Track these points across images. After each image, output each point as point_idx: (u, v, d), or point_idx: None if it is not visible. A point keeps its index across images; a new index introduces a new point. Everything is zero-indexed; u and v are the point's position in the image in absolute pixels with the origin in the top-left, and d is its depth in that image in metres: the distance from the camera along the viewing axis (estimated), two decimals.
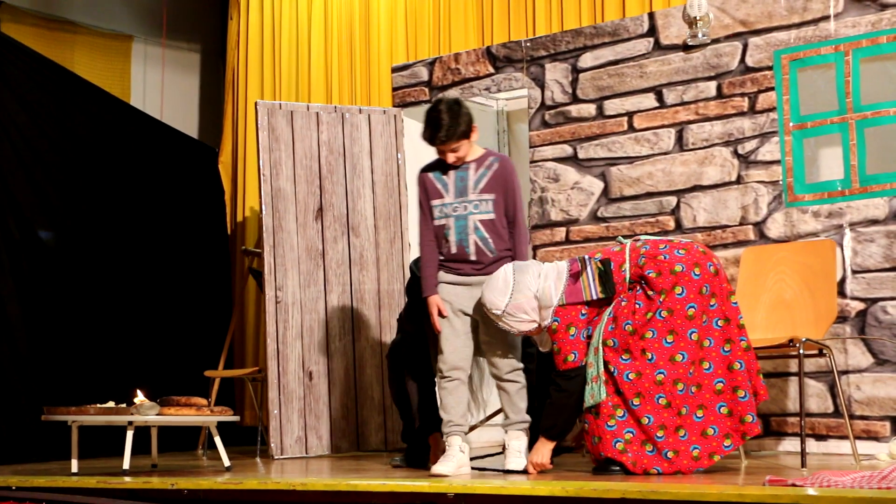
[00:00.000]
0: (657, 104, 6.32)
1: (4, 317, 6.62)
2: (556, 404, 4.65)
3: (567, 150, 6.62)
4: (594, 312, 4.65)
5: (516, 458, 4.72)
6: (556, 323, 4.62)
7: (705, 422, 4.49)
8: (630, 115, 6.36)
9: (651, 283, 4.55)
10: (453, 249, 4.82)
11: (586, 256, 4.73)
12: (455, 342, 4.78)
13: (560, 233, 6.48)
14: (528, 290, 4.60)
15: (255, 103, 6.64)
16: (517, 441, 4.75)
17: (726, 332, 4.59)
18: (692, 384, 4.49)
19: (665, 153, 6.23)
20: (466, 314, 4.80)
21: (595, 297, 4.62)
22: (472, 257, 4.80)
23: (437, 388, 4.89)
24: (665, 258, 4.58)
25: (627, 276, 4.62)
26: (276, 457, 6.19)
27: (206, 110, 9.20)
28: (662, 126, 6.26)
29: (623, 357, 4.52)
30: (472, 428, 5.95)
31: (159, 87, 8.86)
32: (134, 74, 8.79)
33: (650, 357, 4.48)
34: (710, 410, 4.49)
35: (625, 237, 4.86)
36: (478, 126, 4.91)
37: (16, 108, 7.08)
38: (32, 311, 6.77)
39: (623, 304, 4.59)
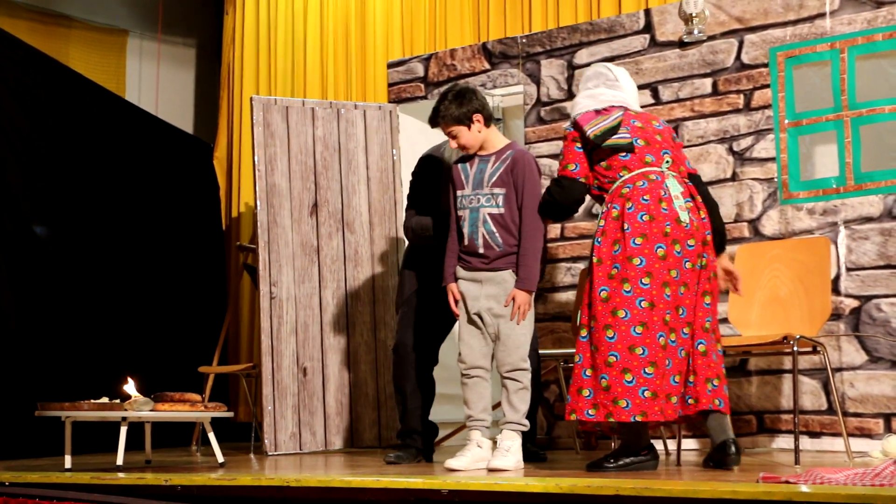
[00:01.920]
0: (653, 101, 6.32)
1: None
2: (544, 206, 4.74)
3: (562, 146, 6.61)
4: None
5: (503, 456, 4.61)
6: (568, 131, 4.67)
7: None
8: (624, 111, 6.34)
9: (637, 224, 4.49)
10: (465, 241, 4.82)
11: (621, 112, 4.67)
12: (472, 342, 4.78)
13: (555, 228, 6.47)
14: (586, 83, 4.80)
15: (251, 98, 6.63)
16: (509, 441, 4.66)
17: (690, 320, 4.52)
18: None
19: None
20: (479, 315, 4.79)
21: (587, 134, 4.57)
22: (480, 250, 4.78)
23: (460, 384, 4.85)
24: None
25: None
26: (269, 453, 6.19)
27: (202, 105, 9.20)
28: None
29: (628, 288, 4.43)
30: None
31: (154, 83, 8.85)
32: (129, 69, 8.79)
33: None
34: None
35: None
36: (487, 117, 4.86)
37: (10, 103, 7.06)
38: (26, 305, 6.76)
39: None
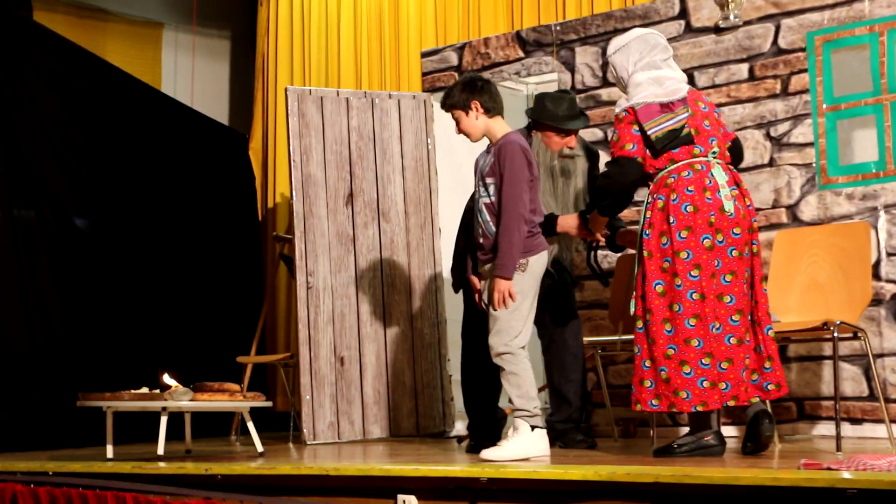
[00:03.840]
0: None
1: (42, 304, 6.67)
2: (602, 189, 4.67)
3: (598, 133, 6.59)
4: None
5: (496, 447, 4.58)
6: (625, 113, 4.58)
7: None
8: None
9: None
10: (475, 232, 4.86)
11: (691, 109, 4.59)
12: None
13: None
14: (630, 63, 4.66)
15: (286, 89, 6.64)
16: (513, 430, 4.63)
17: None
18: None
19: None
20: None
21: (649, 134, 4.50)
22: (480, 240, 4.80)
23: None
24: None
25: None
26: (308, 442, 6.21)
27: (237, 97, 9.22)
28: None
29: (693, 273, 4.41)
30: None
31: (190, 74, 8.88)
32: (165, 62, 8.81)
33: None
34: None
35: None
36: (489, 108, 4.80)
37: (49, 97, 7.12)
38: (68, 297, 6.82)
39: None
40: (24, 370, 6.49)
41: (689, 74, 6.26)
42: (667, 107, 4.56)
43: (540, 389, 6.24)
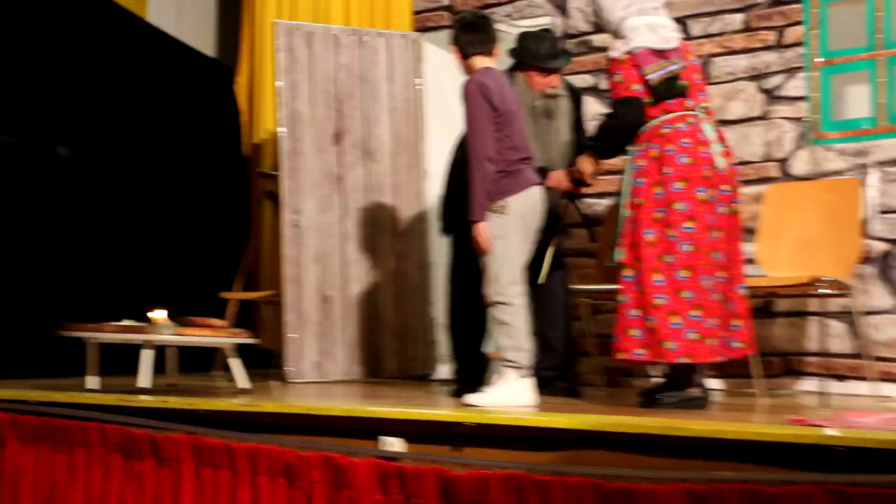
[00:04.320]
0: (682, 36, 6.20)
1: (23, 232, 6.60)
2: (606, 128, 4.65)
3: (589, 80, 6.54)
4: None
5: (479, 392, 4.54)
6: (626, 56, 4.54)
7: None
8: None
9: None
10: None
11: (685, 59, 4.58)
12: None
13: None
14: (619, 6, 4.60)
15: (274, 23, 6.54)
16: (498, 377, 4.62)
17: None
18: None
19: None
20: None
21: (648, 79, 4.48)
22: None
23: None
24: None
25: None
26: (292, 381, 6.19)
27: (224, 29, 9.07)
28: None
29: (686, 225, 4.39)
30: None
31: (176, 4, 8.72)
32: None
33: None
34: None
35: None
36: (466, 54, 4.77)
37: (32, 23, 6.98)
38: (49, 227, 6.75)
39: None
40: (4, 298, 6.43)
41: (683, 22, 6.21)
42: (661, 54, 4.53)
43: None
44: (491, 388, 4.58)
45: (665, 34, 4.58)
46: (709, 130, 4.50)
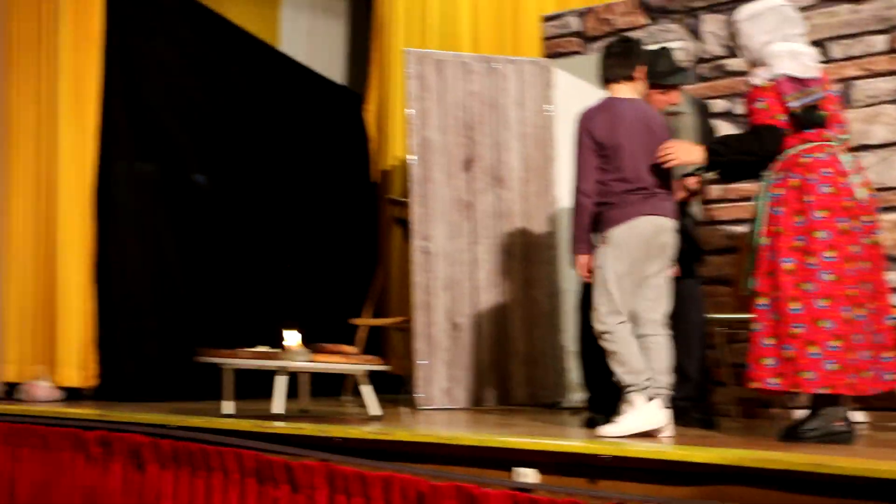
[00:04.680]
0: (822, 59, 6.04)
1: (163, 260, 6.78)
2: (746, 145, 4.51)
3: (723, 105, 6.41)
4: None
5: (612, 422, 4.50)
6: (770, 83, 4.44)
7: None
8: None
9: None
10: None
11: (826, 89, 4.49)
12: None
13: (715, 188, 6.27)
14: (761, 32, 4.49)
15: (405, 51, 6.58)
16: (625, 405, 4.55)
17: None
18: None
19: None
20: None
21: (791, 107, 4.38)
22: None
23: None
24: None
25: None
26: (421, 407, 6.19)
27: (354, 57, 9.19)
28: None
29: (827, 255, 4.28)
30: None
31: (307, 34, 8.87)
32: (283, 20, 8.81)
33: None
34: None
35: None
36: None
37: (171, 54, 7.19)
38: (187, 253, 6.91)
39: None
40: (147, 324, 6.60)
41: (823, 45, 6.04)
42: (802, 82, 4.44)
43: None
44: (621, 417, 4.51)
45: (806, 62, 4.49)
46: (847, 161, 4.42)
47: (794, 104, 4.39)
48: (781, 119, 4.42)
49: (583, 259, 4.65)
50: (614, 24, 6.96)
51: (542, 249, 6.57)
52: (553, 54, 7.15)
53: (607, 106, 4.71)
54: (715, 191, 6.25)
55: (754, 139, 4.50)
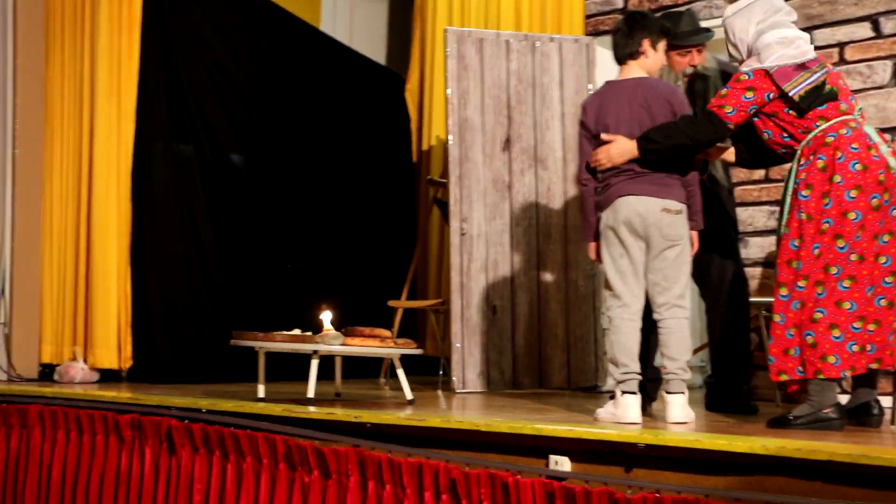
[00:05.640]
0: (873, 34, 5.85)
1: (200, 241, 6.73)
2: (676, 127, 4.42)
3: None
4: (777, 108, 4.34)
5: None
6: (746, 77, 4.34)
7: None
8: (842, 45, 5.92)
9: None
10: None
11: (827, 66, 4.37)
12: None
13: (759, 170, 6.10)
14: (752, 24, 4.38)
15: (445, 30, 6.48)
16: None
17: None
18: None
19: (879, 87, 5.78)
20: None
21: (791, 95, 4.27)
22: None
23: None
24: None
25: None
26: (457, 391, 6.12)
27: (394, 37, 9.09)
28: (878, 58, 5.80)
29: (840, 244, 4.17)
30: None
31: (349, 13, 8.78)
32: (324, 0, 8.74)
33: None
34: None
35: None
36: None
37: (211, 34, 7.13)
38: (224, 235, 6.86)
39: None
40: (183, 307, 6.56)
41: (874, 20, 5.86)
42: (801, 67, 4.33)
43: (699, 349, 6.02)
44: (610, 403, 4.45)
45: (802, 46, 4.38)
46: (873, 133, 4.30)
47: (796, 90, 4.29)
48: (728, 111, 4.34)
49: (591, 245, 4.65)
50: (658, 1, 6.79)
51: (580, 231, 6.39)
52: (595, 32, 7.00)
53: (601, 91, 4.68)
54: (759, 171, 6.09)
55: (689, 125, 4.43)
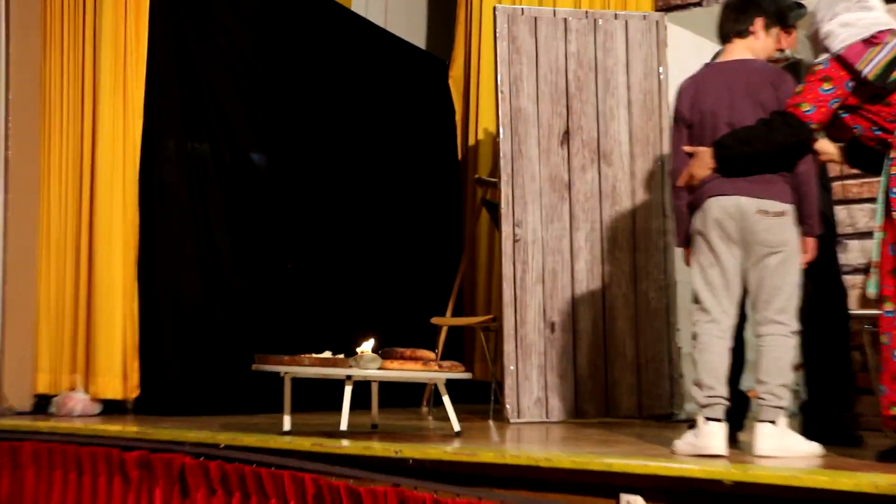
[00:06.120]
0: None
1: (216, 254, 6.74)
2: (751, 132, 4.35)
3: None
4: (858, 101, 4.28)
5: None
6: (822, 66, 4.28)
7: None
8: None
9: None
10: None
11: (892, 39, 4.27)
12: None
13: None
14: (824, 22, 4.33)
15: (494, 8, 6.50)
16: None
17: None
18: None
19: None
20: None
21: (864, 74, 4.18)
22: None
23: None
24: None
25: None
26: (511, 420, 6.11)
27: (435, 17, 9.10)
28: None
29: None
30: None
31: None
32: None
33: None
34: None
35: None
36: None
37: (228, 17, 7.16)
38: (243, 245, 6.87)
39: None
40: (197, 327, 6.57)
41: None
42: (870, 41, 4.24)
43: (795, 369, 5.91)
44: (690, 433, 4.40)
45: (867, 21, 4.30)
46: None
47: (868, 68, 4.21)
48: (806, 110, 4.27)
49: (684, 250, 4.62)
50: None
51: (652, 236, 6.45)
52: (666, 7, 6.98)
53: (699, 74, 4.65)
54: None
55: (763, 129, 4.36)
